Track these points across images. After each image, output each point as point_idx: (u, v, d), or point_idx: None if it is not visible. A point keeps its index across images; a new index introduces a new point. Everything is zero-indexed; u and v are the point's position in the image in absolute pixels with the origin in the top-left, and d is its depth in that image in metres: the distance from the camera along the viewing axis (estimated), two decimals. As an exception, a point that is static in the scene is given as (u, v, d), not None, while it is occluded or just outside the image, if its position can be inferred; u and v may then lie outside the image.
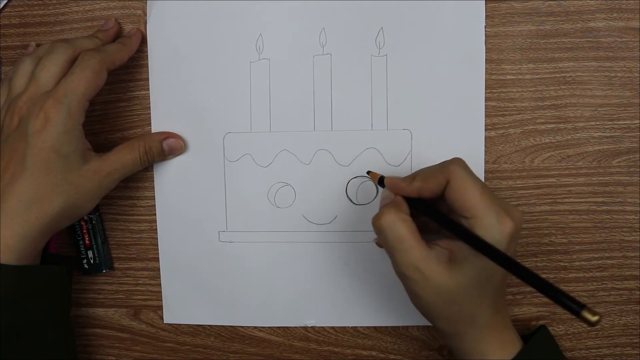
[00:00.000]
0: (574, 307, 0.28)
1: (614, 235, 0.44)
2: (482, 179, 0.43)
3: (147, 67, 0.45)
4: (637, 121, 0.43)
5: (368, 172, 0.43)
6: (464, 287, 0.35)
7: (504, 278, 0.36)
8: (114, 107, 0.46)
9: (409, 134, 0.44)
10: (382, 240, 0.36)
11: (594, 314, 0.28)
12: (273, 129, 0.44)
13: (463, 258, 0.35)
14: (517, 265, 0.31)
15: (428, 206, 0.37)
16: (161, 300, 0.47)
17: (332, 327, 0.46)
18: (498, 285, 0.36)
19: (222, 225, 0.45)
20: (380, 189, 0.43)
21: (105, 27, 0.44)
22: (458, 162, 0.36)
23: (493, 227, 0.34)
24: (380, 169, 0.44)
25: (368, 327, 0.46)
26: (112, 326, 0.48)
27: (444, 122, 0.43)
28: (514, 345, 0.37)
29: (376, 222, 0.36)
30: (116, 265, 0.47)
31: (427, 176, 0.36)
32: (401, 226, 0.35)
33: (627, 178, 0.43)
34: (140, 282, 0.47)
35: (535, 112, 0.43)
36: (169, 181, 0.45)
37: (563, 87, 0.43)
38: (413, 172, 0.39)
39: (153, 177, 0.46)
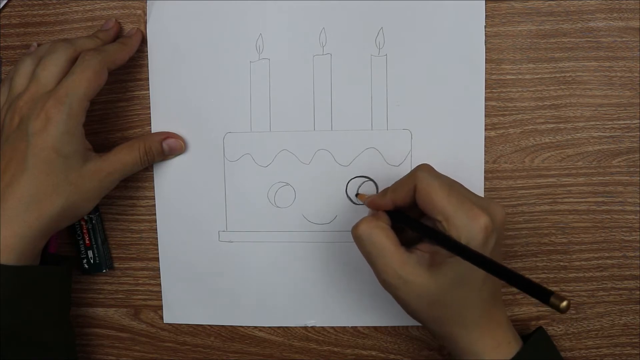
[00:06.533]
0: (542, 294, 0.27)
1: (614, 235, 0.44)
2: (482, 179, 0.43)
3: (147, 67, 0.45)
4: (637, 121, 0.43)
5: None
6: (446, 288, 0.35)
7: (488, 277, 0.36)
8: (114, 107, 0.46)
9: (409, 134, 0.44)
10: (361, 249, 0.37)
11: (562, 299, 0.27)
12: (273, 129, 0.44)
13: (442, 260, 0.35)
14: (483, 259, 0.31)
15: (404, 215, 0.38)
16: (161, 300, 0.47)
17: (332, 327, 0.46)
18: (481, 284, 0.36)
19: (222, 225, 0.45)
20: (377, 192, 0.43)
21: (105, 27, 0.44)
22: (423, 168, 0.37)
23: (464, 226, 0.34)
24: (380, 169, 0.44)
25: (368, 327, 0.46)
26: (112, 326, 0.48)
27: (444, 122, 0.43)
28: (510, 345, 0.37)
29: (353, 231, 0.37)
30: (116, 265, 0.47)
31: (397, 186, 0.38)
32: (377, 233, 0.36)
33: (627, 178, 0.43)
34: (140, 282, 0.47)
35: (535, 112, 0.43)
36: (169, 181, 0.45)
37: (563, 87, 0.43)
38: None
39: (153, 177, 0.46)
